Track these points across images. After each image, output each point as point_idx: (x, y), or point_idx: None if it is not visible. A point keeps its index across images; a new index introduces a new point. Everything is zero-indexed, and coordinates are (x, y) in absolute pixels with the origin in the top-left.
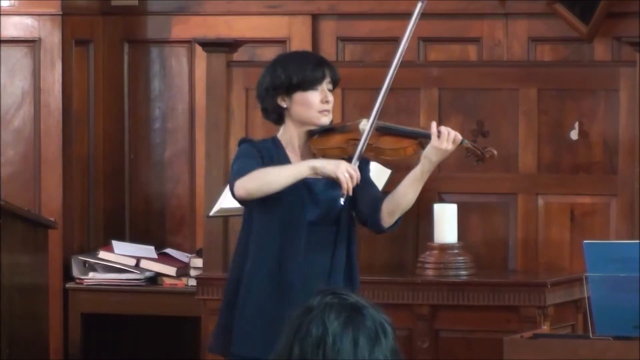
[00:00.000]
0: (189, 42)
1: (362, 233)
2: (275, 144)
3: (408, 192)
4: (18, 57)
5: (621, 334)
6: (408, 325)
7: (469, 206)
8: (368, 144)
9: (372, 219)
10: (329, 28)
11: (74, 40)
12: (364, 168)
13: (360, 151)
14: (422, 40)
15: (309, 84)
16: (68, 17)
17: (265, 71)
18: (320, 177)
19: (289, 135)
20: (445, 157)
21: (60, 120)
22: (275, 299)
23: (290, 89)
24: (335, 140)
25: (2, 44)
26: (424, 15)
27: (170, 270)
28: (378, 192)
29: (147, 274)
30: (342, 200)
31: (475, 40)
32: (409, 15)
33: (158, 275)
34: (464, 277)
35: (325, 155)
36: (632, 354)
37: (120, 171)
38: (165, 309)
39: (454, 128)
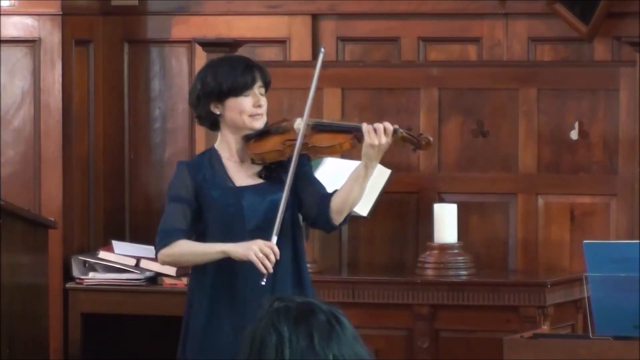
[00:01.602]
0: (189, 42)
1: (362, 233)
2: (212, 155)
3: (353, 189)
4: (18, 57)
5: (621, 334)
6: (408, 325)
7: (469, 206)
8: (304, 144)
9: (321, 219)
10: (329, 28)
11: (74, 40)
12: (304, 164)
13: (297, 158)
14: (422, 40)
15: (240, 90)
16: (68, 17)
17: (196, 78)
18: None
19: (226, 142)
20: (385, 150)
21: (60, 120)
22: (226, 307)
23: (221, 95)
24: (272, 142)
25: (2, 44)
26: (424, 15)
27: (170, 270)
28: (323, 189)
29: (147, 274)
30: (263, 281)
31: (475, 40)
32: (408, 15)
33: (158, 275)
34: (464, 277)
35: (263, 159)
36: (632, 354)
37: (120, 171)
38: (165, 309)
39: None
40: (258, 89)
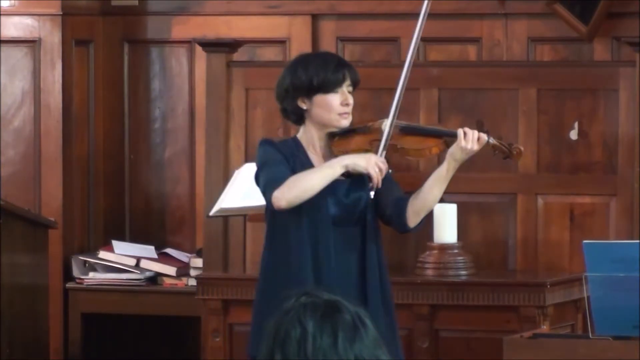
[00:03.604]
0: (189, 42)
1: None
2: (296, 144)
3: (433, 190)
4: (18, 57)
5: (621, 334)
6: (408, 325)
7: (469, 206)
8: (393, 145)
9: (397, 219)
10: (329, 28)
11: (74, 40)
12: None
13: (383, 149)
14: (422, 40)
15: (330, 87)
16: (68, 17)
17: (286, 71)
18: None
19: (310, 136)
20: (470, 156)
21: (60, 120)
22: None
23: (310, 91)
24: (357, 141)
25: (2, 44)
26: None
27: (170, 270)
28: (401, 191)
29: (147, 274)
30: (372, 194)
31: (475, 40)
32: (408, 15)
33: (158, 275)
34: (464, 277)
35: None
36: (632, 354)
37: (120, 171)
38: (165, 309)
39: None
40: (347, 87)
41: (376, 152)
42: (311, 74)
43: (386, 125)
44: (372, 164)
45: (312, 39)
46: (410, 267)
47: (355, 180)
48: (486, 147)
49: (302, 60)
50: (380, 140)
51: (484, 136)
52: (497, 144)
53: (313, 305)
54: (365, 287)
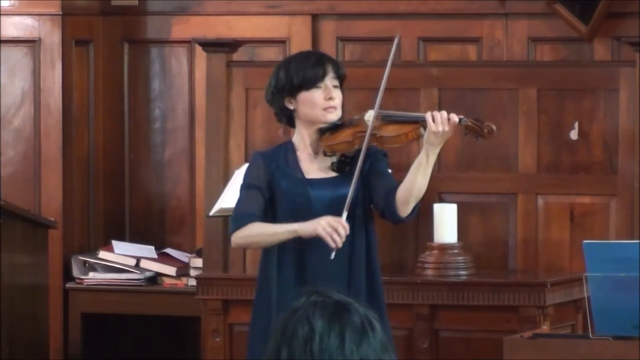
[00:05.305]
0: (189, 42)
1: None
2: (288, 147)
3: (417, 178)
4: (18, 57)
5: (621, 334)
6: (408, 325)
7: (469, 206)
8: (372, 134)
9: (388, 210)
10: (329, 28)
11: (74, 40)
12: (379, 159)
13: (365, 150)
14: (422, 40)
15: (311, 83)
16: (68, 17)
17: (271, 75)
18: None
19: (301, 136)
20: (446, 138)
21: (60, 120)
22: (294, 287)
23: (293, 90)
24: (343, 135)
25: (2, 44)
26: (424, 15)
27: (170, 270)
28: (393, 182)
29: (147, 274)
30: (332, 255)
31: (475, 40)
32: (408, 15)
33: (158, 275)
34: (464, 277)
35: (333, 150)
36: (632, 354)
37: (120, 171)
38: (165, 309)
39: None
40: (330, 81)
41: (360, 145)
42: (291, 74)
43: (370, 115)
44: (322, 226)
45: (312, 39)
46: (410, 267)
47: (341, 176)
48: (458, 128)
49: (285, 62)
50: (364, 132)
51: (455, 117)
52: (470, 124)
53: (323, 305)
54: (349, 288)
